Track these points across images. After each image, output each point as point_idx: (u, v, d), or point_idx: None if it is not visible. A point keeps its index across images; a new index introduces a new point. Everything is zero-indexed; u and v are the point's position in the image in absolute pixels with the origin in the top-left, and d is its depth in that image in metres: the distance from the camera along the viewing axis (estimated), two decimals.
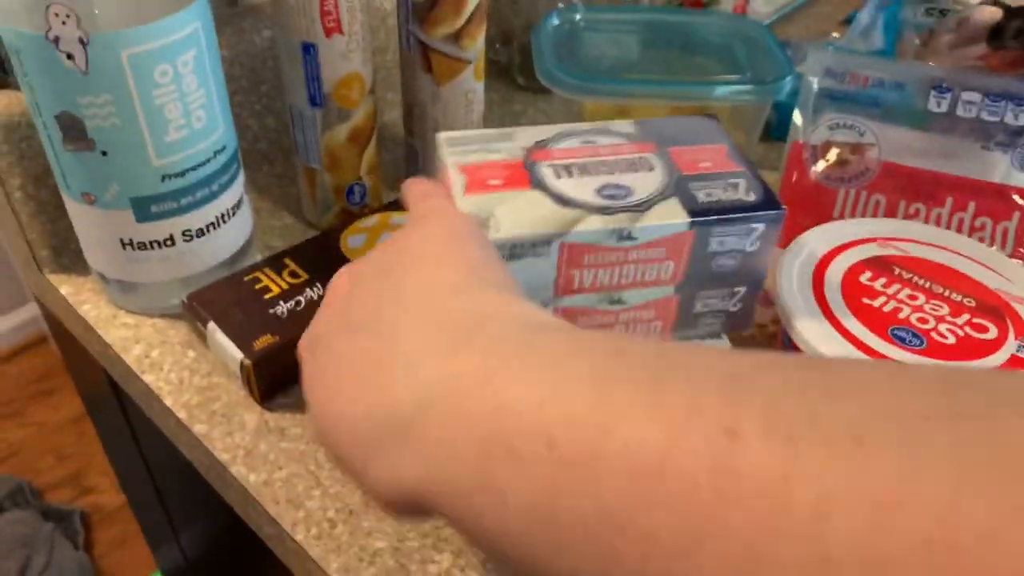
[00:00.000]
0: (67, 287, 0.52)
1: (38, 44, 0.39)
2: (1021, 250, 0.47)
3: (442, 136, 0.40)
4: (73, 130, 0.41)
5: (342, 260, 0.49)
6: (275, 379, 0.44)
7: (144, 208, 0.44)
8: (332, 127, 0.51)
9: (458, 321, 0.26)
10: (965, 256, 0.42)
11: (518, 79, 0.72)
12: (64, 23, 0.38)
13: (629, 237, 0.36)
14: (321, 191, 0.54)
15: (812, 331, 0.38)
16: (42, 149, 0.49)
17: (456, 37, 0.50)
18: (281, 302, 0.46)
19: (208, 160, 0.45)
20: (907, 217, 0.47)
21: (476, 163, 0.38)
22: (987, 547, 0.14)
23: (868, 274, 0.40)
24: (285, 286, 0.47)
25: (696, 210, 0.36)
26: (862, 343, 0.37)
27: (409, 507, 0.24)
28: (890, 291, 0.39)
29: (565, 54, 0.59)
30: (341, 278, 0.33)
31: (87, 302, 0.51)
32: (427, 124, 0.54)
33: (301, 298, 0.46)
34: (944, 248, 0.42)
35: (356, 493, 0.41)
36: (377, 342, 0.27)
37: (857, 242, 0.43)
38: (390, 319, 0.27)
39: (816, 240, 0.43)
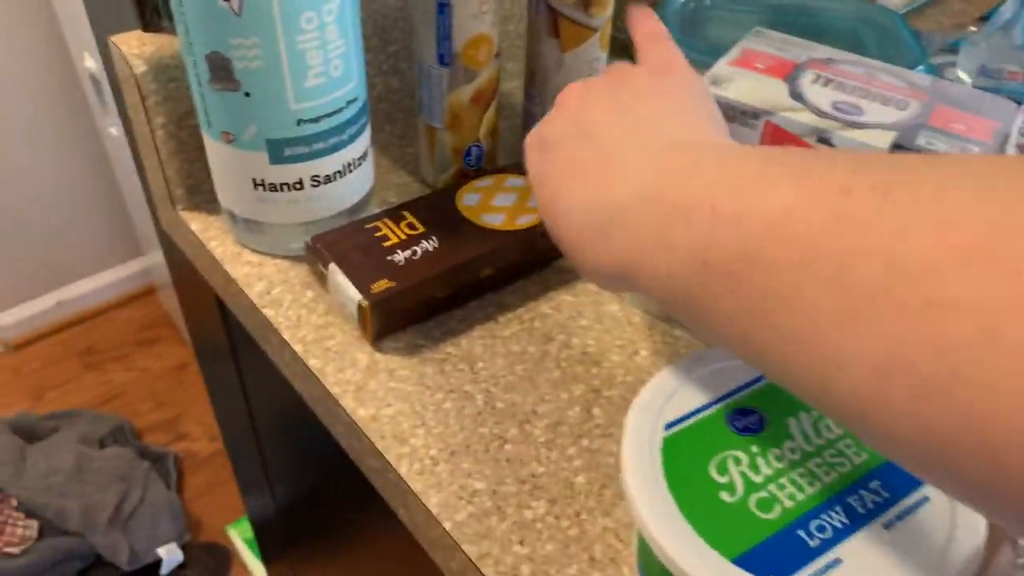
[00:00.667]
0: (197, 224, 0.55)
1: None
2: None
3: (756, 29, 0.46)
4: (221, 70, 0.44)
5: (457, 215, 0.50)
6: (389, 321, 0.46)
7: (278, 150, 0.47)
8: (457, 87, 0.52)
9: (679, 143, 0.32)
10: None
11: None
12: None
13: (828, 142, 0.38)
14: (440, 150, 0.55)
15: None
16: (186, 91, 0.52)
17: (586, 4, 0.51)
18: (399, 251, 0.47)
19: (341, 108, 0.47)
20: None
21: (761, 51, 0.44)
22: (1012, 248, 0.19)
23: None
24: (403, 236, 0.48)
25: (904, 145, 0.37)
26: None
27: (615, 278, 0.31)
28: None
29: (690, 33, 0.59)
30: (572, 90, 0.37)
31: (215, 239, 0.53)
32: (548, 90, 0.55)
33: (417, 248, 0.48)
34: None
35: (459, 435, 0.42)
36: (606, 147, 0.33)
37: None
38: (619, 132, 0.33)
39: None
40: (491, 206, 0.50)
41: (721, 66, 0.42)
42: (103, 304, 1.91)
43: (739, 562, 0.30)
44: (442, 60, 0.51)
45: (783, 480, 0.32)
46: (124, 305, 1.93)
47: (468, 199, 0.51)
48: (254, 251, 0.53)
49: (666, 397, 0.35)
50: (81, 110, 1.65)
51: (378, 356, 0.46)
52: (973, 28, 0.69)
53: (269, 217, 0.50)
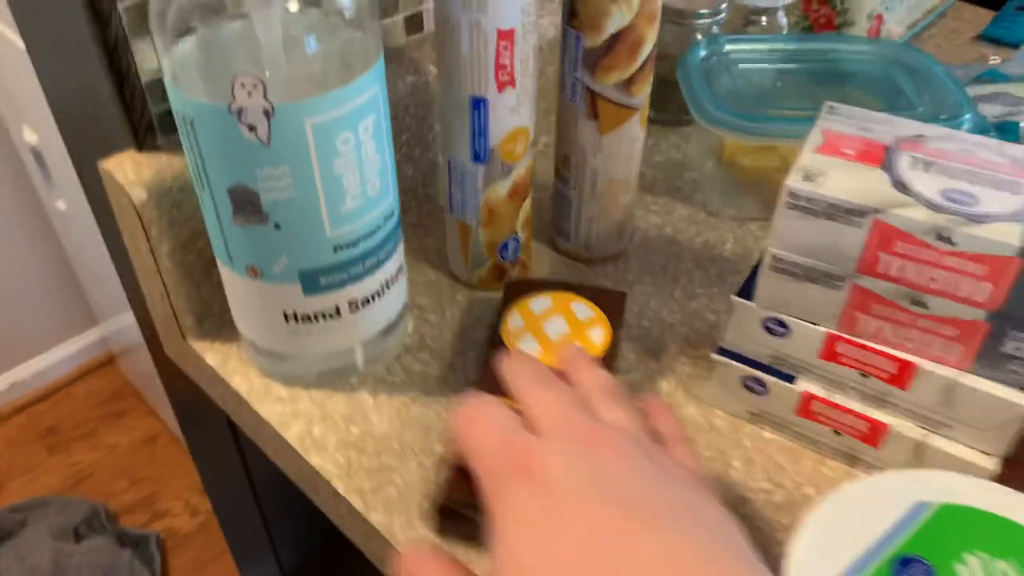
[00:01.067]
0: (213, 356, 0.49)
1: (217, 115, 0.36)
2: None
3: (827, 104, 0.42)
4: (246, 204, 0.38)
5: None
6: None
7: (313, 280, 0.41)
8: (494, 182, 0.47)
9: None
10: None
11: (650, 112, 0.69)
12: (250, 94, 0.35)
13: (948, 240, 0.35)
14: (474, 247, 0.51)
15: None
16: (192, 214, 0.46)
17: (627, 84, 0.47)
18: None
19: (379, 228, 0.42)
20: None
21: (844, 132, 0.39)
22: None
23: None
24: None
25: None
26: None
27: None
28: None
29: (714, 86, 0.55)
30: (601, 432, 0.28)
31: (236, 372, 0.48)
32: (586, 174, 0.51)
33: None
34: None
35: None
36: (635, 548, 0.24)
37: None
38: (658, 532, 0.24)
39: None
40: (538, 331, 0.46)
41: (809, 156, 0.38)
42: (61, 380, 1.80)
43: None
44: (477, 157, 0.46)
45: None
46: (83, 378, 1.83)
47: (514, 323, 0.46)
48: (281, 381, 0.47)
49: (821, 555, 0.31)
50: (22, 184, 1.55)
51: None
52: (996, 58, 0.66)
53: (302, 349, 0.45)
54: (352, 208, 0.40)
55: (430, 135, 0.57)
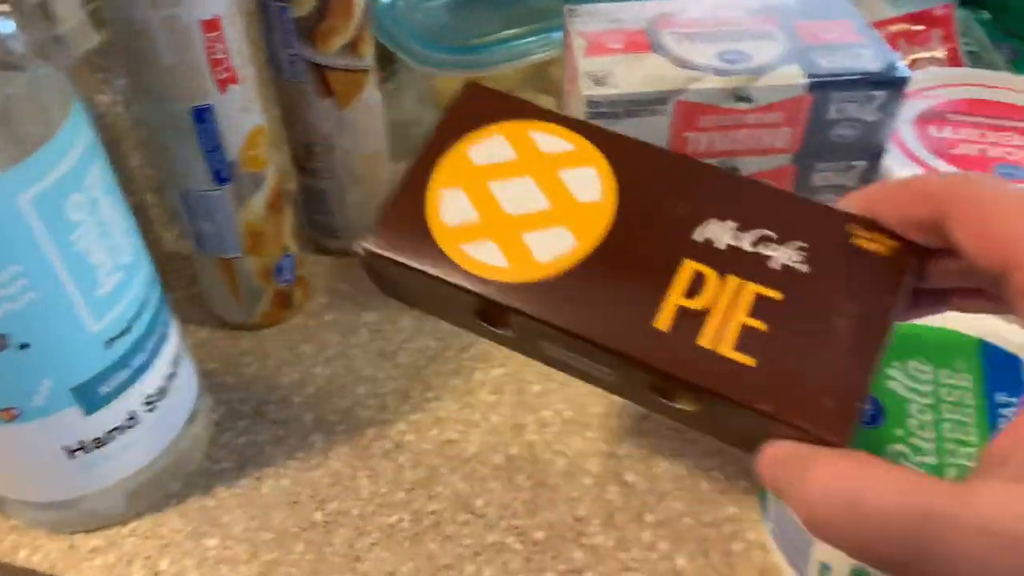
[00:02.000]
0: None
1: None
2: (955, 61, 0.50)
3: (567, 8, 0.40)
4: None
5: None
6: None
7: (91, 394, 0.32)
8: (247, 200, 0.40)
9: None
10: (980, 84, 0.44)
11: None
12: None
13: (746, 98, 0.36)
14: (245, 281, 0.43)
15: None
16: None
17: (353, 46, 0.41)
18: None
19: (148, 299, 0.33)
20: None
21: (598, 30, 0.38)
22: None
23: (934, 127, 0.41)
24: None
25: (816, 73, 0.35)
26: None
27: None
28: (962, 136, 0.41)
29: (414, 30, 0.52)
30: None
31: (20, 547, 0.36)
32: (336, 159, 0.45)
33: None
34: (965, 84, 0.45)
35: None
36: None
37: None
38: None
39: None
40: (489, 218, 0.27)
41: (586, 62, 0.36)
42: None
43: None
44: (219, 177, 0.39)
45: None
46: None
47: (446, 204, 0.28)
48: (89, 531, 0.37)
49: None
50: None
51: (363, 567, 0.35)
52: None
53: (101, 482, 0.35)
54: (111, 287, 0.31)
55: (124, 173, 0.47)
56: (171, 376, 0.36)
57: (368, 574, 0.35)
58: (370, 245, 0.26)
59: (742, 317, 0.24)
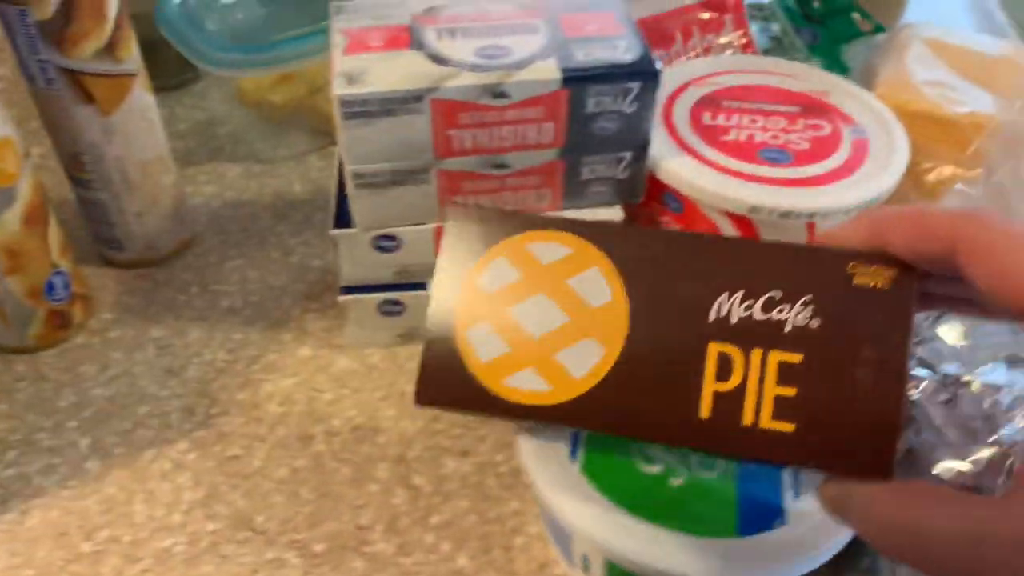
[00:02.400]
0: None
1: None
2: (747, 48, 0.52)
3: (332, 4, 0.39)
4: None
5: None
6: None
7: None
8: None
9: None
10: (761, 71, 0.45)
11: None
12: None
13: (502, 95, 0.35)
14: (10, 303, 0.40)
15: (692, 174, 0.39)
16: None
17: (110, 49, 0.39)
18: None
19: None
20: None
21: (362, 27, 0.38)
22: None
23: (708, 114, 0.42)
24: None
25: (569, 67, 0.35)
26: (742, 172, 0.39)
27: None
28: (733, 122, 0.42)
29: (205, 30, 0.50)
30: None
31: None
32: (108, 168, 0.43)
33: None
34: (743, 71, 0.45)
35: None
36: None
37: (679, 89, 0.44)
38: None
39: None
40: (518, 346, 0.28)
41: (341, 59, 0.35)
42: None
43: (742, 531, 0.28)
44: None
45: None
46: None
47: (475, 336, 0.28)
48: None
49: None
50: None
51: None
52: None
53: None
54: None
55: None
56: None
57: None
58: (424, 400, 0.28)
59: (772, 388, 0.25)
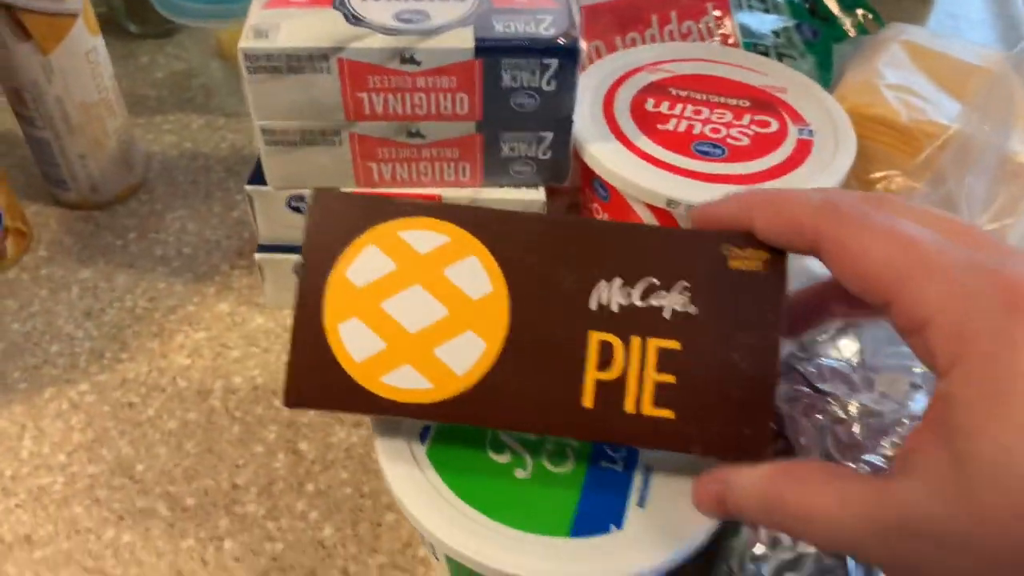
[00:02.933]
0: None
1: None
2: (727, 38, 0.49)
3: None
4: None
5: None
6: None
7: None
8: None
9: None
10: (722, 62, 0.44)
11: (130, 27, 0.61)
12: None
13: (412, 60, 0.34)
14: None
15: (618, 162, 0.37)
16: None
17: None
18: None
19: None
20: (627, 47, 0.47)
21: None
22: None
23: (652, 101, 0.41)
24: None
25: (485, 38, 0.34)
26: (670, 164, 0.37)
27: None
28: (676, 112, 0.40)
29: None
30: None
31: None
32: (49, 106, 0.43)
33: None
34: (702, 60, 0.44)
35: (162, 563, 0.33)
36: None
37: (629, 73, 0.43)
38: None
39: (591, 78, 0.42)
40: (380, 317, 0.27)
41: (258, 14, 0.35)
42: None
43: (575, 532, 0.27)
44: None
45: None
46: None
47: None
48: None
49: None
50: None
51: (0, 529, 0.34)
52: None
53: None
54: None
55: None
56: None
57: (2, 537, 0.34)
58: (293, 401, 0.26)
59: (652, 375, 0.25)
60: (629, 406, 0.25)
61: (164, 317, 0.42)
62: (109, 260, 0.45)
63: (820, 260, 0.24)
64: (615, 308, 0.26)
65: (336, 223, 0.27)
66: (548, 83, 0.35)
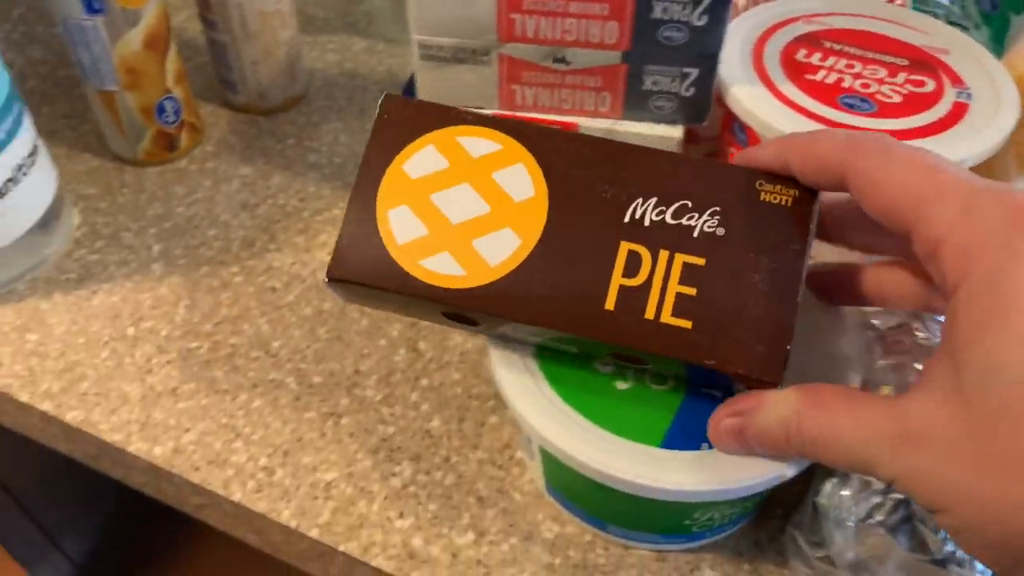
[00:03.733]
0: None
1: None
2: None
3: None
4: None
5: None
6: None
7: None
8: (122, 35, 0.42)
9: None
10: (884, 19, 0.42)
11: None
12: None
13: (563, 60, 0.35)
14: (126, 115, 0.46)
15: (760, 105, 0.37)
16: None
17: None
18: None
19: None
20: None
21: None
22: None
23: (803, 51, 0.40)
24: None
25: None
26: (815, 113, 0.37)
27: None
28: (827, 64, 0.40)
29: None
30: None
31: None
32: (231, 11, 0.47)
33: None
34: (863, 16, 0.43)
35: (284, 431, 0.36)
36: None
37: (783, 23, 0.42)
38: None
39: (743, 25, 0.42)
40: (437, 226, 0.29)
41: None
42: None
43: (666, 444, 0.28)
44: (90, 7, 0.41)
45: None
46: None
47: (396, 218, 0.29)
48: None
49: None
50: None
51: (152, 379, 0.38)
52: None
53: None
54: None
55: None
56: (12, 182, 0.39)
57: (153, 386, 0.38)
58: (336, 274, 0.28)
59: (675, 286, 0.27)
60: (649, 313, 0.26)
61: (311, 216, 0.45)
62: (268, 161, 0.49)
63: (849, 193, 0.25)
64: (647, 223, 0.27)
65: (401, 123, 0.29)
66: (699, 17, 0.35)
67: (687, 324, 0.26)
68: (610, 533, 0.32)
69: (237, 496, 0.34)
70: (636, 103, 0.39)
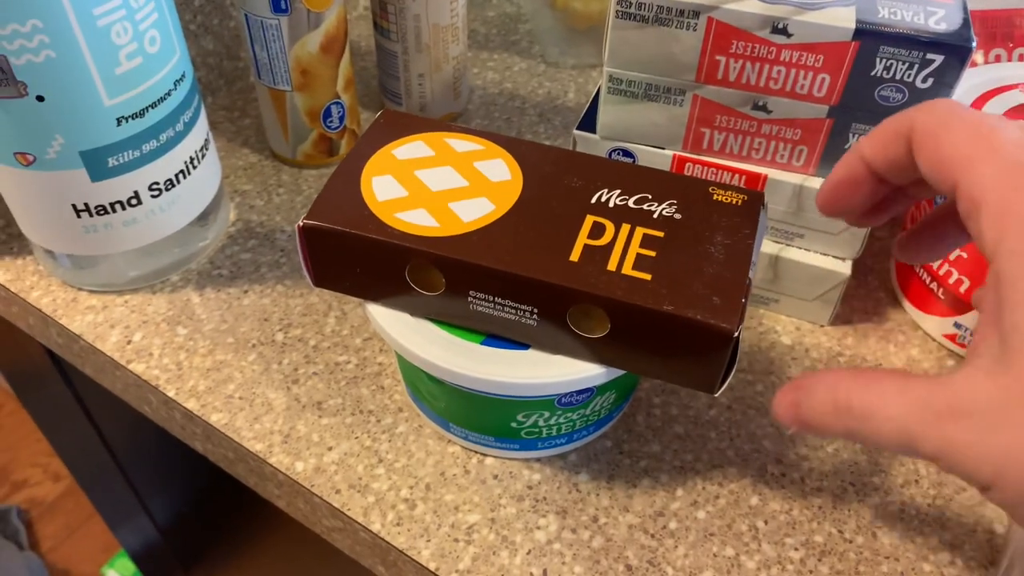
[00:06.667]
0: (3, 272, 0.42)
1: None
2: None
3: None
4: None
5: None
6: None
7: (99, 163, 0.36)
8: (302, 36, 0.42)
9: None
10: None
11: None
12: None
13: (783, 31, 0.33)
14: (293, 116, 0.45)
15: None
16: None
17: None
18: None
19: (169, 93, 0.36)
20: (986, 64, 0.43)
21: None
22: None
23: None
24: None
25: (867, 20, 0.32)
26: None
27: None
28: None
29: None
30: None
31: (36, 288, 0.41)
32: (407, 21, 0.46)
33: None
34: None
35: (427, 463, 0.35)
36: None
37: (998, 89, 0.39)
38: None
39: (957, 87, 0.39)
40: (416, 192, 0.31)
41: None
42: None
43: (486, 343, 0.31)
44: (277, 6, 0.41)
45: None
46: None
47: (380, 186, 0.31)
48: (91, 291, 0.41)
49: None
50: None
51: (297, 390, 0.37)
52: None
53: (103, 247, 0.39)
54: (130, 69, 0.34)
55: None
56: (183, 174, 0.39)
57: (299, 396, 0.37)
58: (312, 221, 0.29)
59: (636, 249, 0.29)
60: (611, 265, 0.28)
61: None
62: None
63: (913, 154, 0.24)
64: (611, 205, 0.30)
65: (394, 126, 0.33)
66: (924, 80, 0.33)
67: (646, 276, 0.28)
68: (452, 433, 0.34)
69: (376, 527, 0.33)
70: (832, 159, 0.36)
